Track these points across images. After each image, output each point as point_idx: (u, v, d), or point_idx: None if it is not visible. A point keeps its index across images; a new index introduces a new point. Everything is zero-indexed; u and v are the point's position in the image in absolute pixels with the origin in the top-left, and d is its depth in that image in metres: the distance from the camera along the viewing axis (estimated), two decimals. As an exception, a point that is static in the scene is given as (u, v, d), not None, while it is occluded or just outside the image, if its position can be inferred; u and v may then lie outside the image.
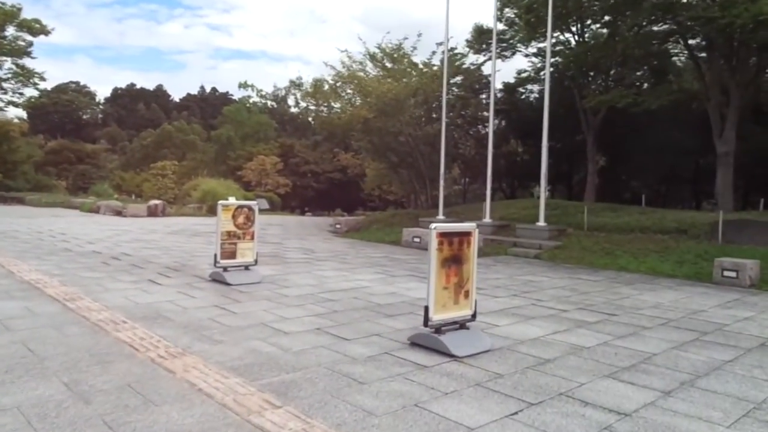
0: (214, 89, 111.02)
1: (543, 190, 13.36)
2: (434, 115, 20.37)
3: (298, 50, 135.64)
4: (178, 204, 26.50)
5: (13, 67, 31.48)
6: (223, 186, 25.56)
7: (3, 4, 29.73)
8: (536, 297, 7.48)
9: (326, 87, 19.04)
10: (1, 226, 14.49)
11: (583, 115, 20.11)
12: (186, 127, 59.55)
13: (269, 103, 60.01)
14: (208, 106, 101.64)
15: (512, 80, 23.77)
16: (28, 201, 29.34)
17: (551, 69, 21.43)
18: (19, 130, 46.04)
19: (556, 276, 9.45)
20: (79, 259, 9.11)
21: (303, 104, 23.38)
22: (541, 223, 13.20)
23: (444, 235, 4.84)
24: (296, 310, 6.11)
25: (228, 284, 7.35)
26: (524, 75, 23.28)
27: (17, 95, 33.20)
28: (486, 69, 22.83)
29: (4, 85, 32.17)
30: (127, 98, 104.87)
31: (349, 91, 18.79)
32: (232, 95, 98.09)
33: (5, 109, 36.44)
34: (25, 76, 31.81)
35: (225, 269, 7.57)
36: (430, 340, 4.83)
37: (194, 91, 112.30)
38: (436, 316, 4.81)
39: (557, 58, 20.21)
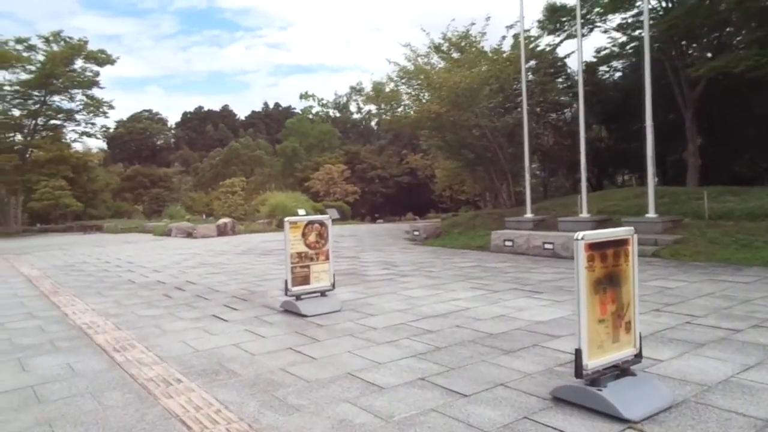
0: (277, 104, 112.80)
1: (651, 176, 11.55)
2: (507, 105, 18.76)
3: (355, 59, 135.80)
4: (247, 220, 26.08)
5: (84, 98, 32.25)
6: (291, 198, 24.93)
7: (70, 38, 30.47)
8: (686, 311, 5.88)
9: (390, 87, 17.85)
10: (71, 258, 14.13)
11: (678, 90, 17.92)
12: (252, 143, 60.19)
13: (331, 111, 59.83)
14: (272, 121, 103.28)
15: (591, 59, 21.73)
16: (106, 228, 29.84)
17: (635, 43, 19.39)
18: (96, 159, 47.79)
19: (692, 279, 7.75)
20: (140, 293, 8.24)
21: (365, 109, 22.42)
22: (652, 214, 11.40)
23: (596, 247, 3.44)
24: (389, 350, 4.84)
25: (302, 316, 6.19)
26: (604, 53, 21.20)
27: (89, 125, 34.02)
28: (560, 51, 21.01)
29: (77, 116, 33.04)
30: (195, 121, 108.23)
31: (416, 86, 17.49)
32: (294, 108, 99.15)
33: (80, 140, 37.49)
34: (95, 105, 32.52)
35: (298, 297, 6.42)
36: (586, 396, 3.42)
37: (258, 108, 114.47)
38: (592, 362, 3.40)
39: (639, 32, 18.15)
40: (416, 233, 14.86)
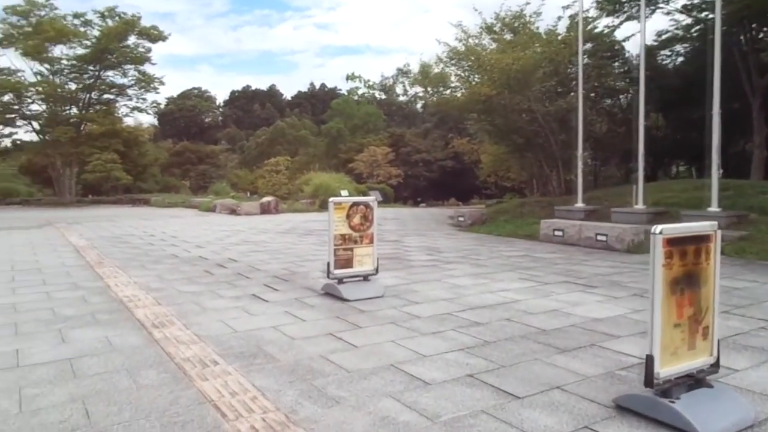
0: (323, 85, 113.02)
1: (716, 167, 10.85)
2: (560, 89, 18.02)
3: (402, 42, 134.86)
4: (290, 199, 26.15)
5: (136, 73, 32.83)
6: (334, 179, 24.82)
7: (124, 13, 30.97)
8: (759, 315, 5.40)
9: (438, 68, 17.35)
10: (119, 230, 14.35)
11: (746, 77, 16.88)
12: (297, 122, 60.47)
13: (376, 93, 59.32)
14: (318, 102, 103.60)
15: (650, 43, 20.70)
16: (153, 202, 30.45)
17: (700, 26, 18.35)
18: (147, 134, 48.84)
19: (763, 279, 7.19)
20: (182, 268, 8.20)
21: (411, 91, 21.98)
22: (715, 208, 10.74)
23: (675, 243, 3.06)
24: (434, 341, 4.58)
25: (344, 300, 5.98)
26: (665, 36, 20.16)
27: (140, 101, 34.69)
28: (618, 34, 20.06)
29: (129, 91, 33.71)
30: (243, 100, 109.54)
31: (466, 68, 16.96)
32: (339, 90, 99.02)
33: (131, 114, 38.31)
34: (146, 81, 33.10)
35: (340, 281, 6.21)
36: (656, 408, 3.08)
37: (304, 88, 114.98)
38: (664, 370, 3.05)
39: (706, 14, 17.14)
40: (461, 219, 14.49)
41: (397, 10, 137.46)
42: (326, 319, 5.29)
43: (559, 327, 5.00)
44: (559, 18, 18.00)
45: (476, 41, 17.29)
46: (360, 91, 55.48)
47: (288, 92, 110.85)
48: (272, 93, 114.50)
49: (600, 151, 24.80)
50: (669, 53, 21.02)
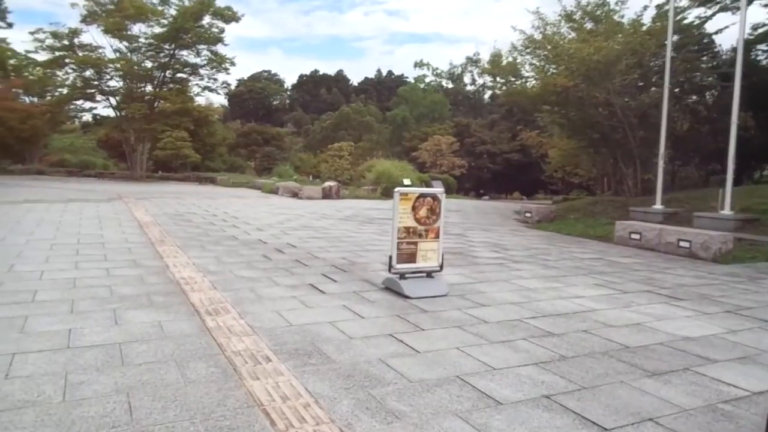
0: (390, 72, 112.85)
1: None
2: (641, 84, 16.91)
3: (472, 30, 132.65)
4: (352, 185, 26.03)
5: (208, 53, 33.44)
6: (397, 167, 24.47)
7: (200, -7, 31.52)
8: None
9: (512, 57, 16.59)
10: (183, 208, 14.53)
11: None
12: (363, 108, 60.47)
13: (444, 82, 58.46)
14: (384, 88, 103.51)
15: (746, 37, 19.13)
16: (219, 181, 31.05)
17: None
18: (217, 114, 50.01)
19: None
20: (241, 251, 8.07)
21: (480, 81, 21.21)
22: (816, 219, 9.72)
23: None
24: (504, 351, 4.16)
25: (405, 297, 5.63)
26: (762, 30, 18.58)
27: (212, 81, 35.36)
28: (709, 26, 18.65)
29: (201, 71, 34.40)
30: (310, 84, 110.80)
31: (542, 57, 16.14)
32: (406, 77, 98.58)
33: (202, 94, 39.13)
34: (218, 61, 33.66)
35: (402, 276, 5.86)
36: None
37: (371, 74, 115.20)
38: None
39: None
40: (528, 215, 13.85)
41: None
42: (386, 318, 4.95)
43: (644, 344, 4.47)
44: (645, 7, 16.87)
45: (554, 29, 16.42)
46: (427, 79, 54.90)
47: (355, 78, 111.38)
48: (339, 78, 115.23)
49: (679, 151, 23.36)
50: (766, 48, 19.39)
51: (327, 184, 21.50)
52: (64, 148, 41.46)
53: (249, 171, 46.57)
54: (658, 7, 17.36)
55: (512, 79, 17.19)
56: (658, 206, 12.68)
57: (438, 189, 6.11)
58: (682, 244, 9.16)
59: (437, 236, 6.05)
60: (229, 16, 32.14)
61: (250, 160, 49.97)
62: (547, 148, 29.86)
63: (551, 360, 4.02)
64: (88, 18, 31.46)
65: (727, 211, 11.29)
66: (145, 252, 7.66)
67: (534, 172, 39.64)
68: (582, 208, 14.42)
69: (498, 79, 19.08)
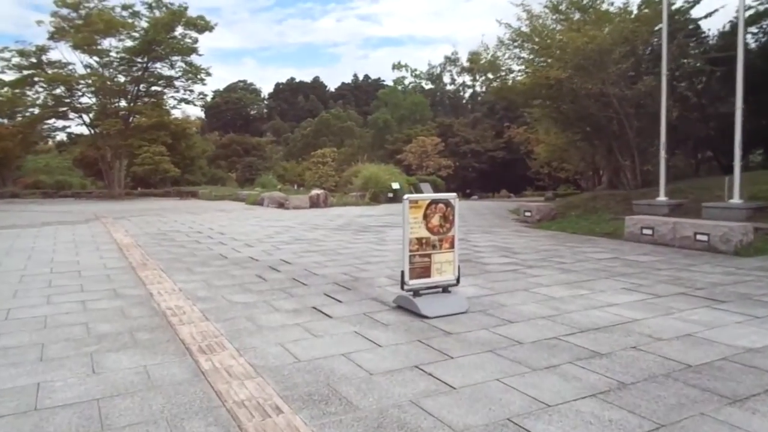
0: (366, 76, 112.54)
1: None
2: (632, 73, 16.48)
3: (445, 31, 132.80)
4: (339, 191, 25.40)
5: (183, 65, 32.59)
6: (384, 171, 23.89)
7: (171, 4, 30.69)
8: None
9: (501, 51, 16.07)
10: (165, 225, 13.78)
11: None
12: (342, 113, 59.83)
13: (423, 83, 58.20)
14: (362, 93, 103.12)
15: (731, 20, 18.86)
16: (201, 195, 30.22)
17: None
18: (194, 127, 49.03)
19: None
20: (232, 271, 7.39)
21: (459, 80, 20.77)
22: (833, 203, 9.29)
23: None
24: (552, 380, 3.56)
25: (422, 317, 5.02)
26: (750, 13, 18.31)
27: (188, 92, 34.48)
28: (694, 12, 18.32)
29: (176, 83, 33.52)
30: (287, 92, 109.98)
31: (530, 50, 15.62)
32: (383, 81, 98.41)
33: (178, 106, 38.24)
34: (193, 72, 32.82)
35: (416, 293, 5.24)
36: None
37: (348, 80, 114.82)
38: None
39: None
40: (527, 214, 13.32)
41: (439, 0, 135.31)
42: (407, 344, 4.32)
43: (707, 361, 3.90)
44: (632, -6, 16.47)
45: (540, 21, 15.94)
46: (406, 81, 54.49)
47: (332, 84, 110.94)
48: (316, 85, 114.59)
49: (671, 140, 23.05)
50: (756, 31, 19.13)
51: (314, 192, 20.83)
52: (39, 169, 40.29)
53: (230, 182, 45.68)
54: (643, -7, 17.00)
55: (502, 74, 16.68)
56: (662, 198, 12.22)
57: (452, 195, 5.51)
58: (699, 237, 8.66)
59: (452, 246, 5.45)
60: (202, 25, 31.36)
61: (231, 171, 49.07)
62: (535, 143, 29.44)
63: (609, 389, 3.43)
64: (56, 35, 30.43)
65: (736, 200, 10.85)
66: (125, 279, 6.95)
67: (520, 169, 39.31)
68: (582, 204, 13.93)
69: (489, 75, 18.52)
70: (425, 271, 5.31)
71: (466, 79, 56.60)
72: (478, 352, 4.14)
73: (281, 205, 20.10)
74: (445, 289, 5.42)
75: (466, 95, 57.51)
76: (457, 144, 42.52)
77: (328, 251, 9.10)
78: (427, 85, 56.83)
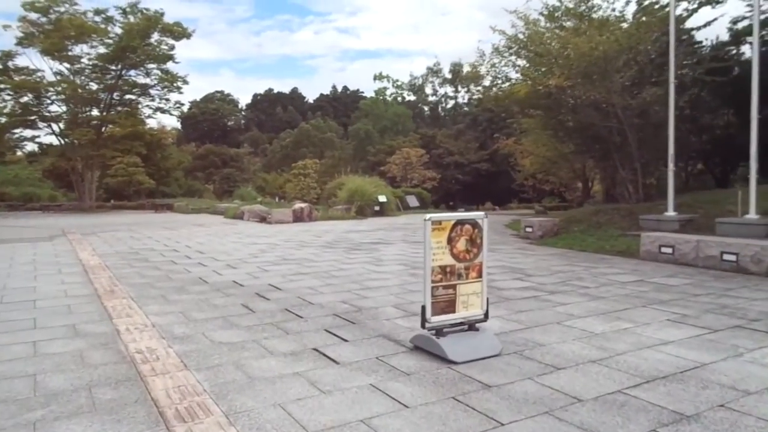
0: (345, 88, 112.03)
1: None
2: (632, 82, 15.94)
3: (423, 45, 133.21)
4: (322, 204, 24.47)
5: (159, 72, 31.45)
6: (370, 183, 23.04)
7: (147, 10, 29.61)
8: None
9: (495, 59, 15.37)
10: (137, 243, 12.72)
11: None
12: (323, 124, 58.94)
13: (405, 94, 57.57)
14: (340, 105, 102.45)
15: (725, 33, 18.54)
16: (177, 208, 29.03)
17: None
18: (170, 138, 47.70)
19: None
20: (214, 300, 6.43)
21: (441, 91, 20.08)
22: None
23: None
24: (646, 464, 2.71)
25: (449, 362, 4.15)
26: (743, 25, 17.99)
27: (163, 101, 33.29)
28: (688, 23, 17.91)
29: (151, 91, 32.34)
30: (265, 103, 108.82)
31: (528, 56, 14.94)
32: (362, 92, 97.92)
33: (154, 116, 37.12)
34: (170, 80, 31.69)
35: (439, 332, 4.37)
36: None
37: (326, 91, 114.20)
38: None
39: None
40: (529, 230, 12.55)
41: (417, 13, 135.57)
42: (440, 403, 3.44)
43: (823, 427, 3.09)
44: (627, 2, 15.96)
45: (534, 29, 15.29)
46: (388, 92, 53.83)
47: (310, 95, 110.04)
48: (294, 96, 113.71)
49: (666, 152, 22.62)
50: (748, 44, 18.79)
51: (298, 205, 19.85)
52: (8, 180, 38.61)
53: (208, 195, 44.37)
54: (639, 2, 16.54)
55: (498, 81, 16.00)
56: (670, 213, 11.57)
57: (479, 213, 4.66)
58: (726, 257, 7.95)
59: (480, 275, 4.60)
60: (179, 32, 30.31)
61: (209, 183, 47.77)
62: (524, 155, 28.84)
63: (724, 474, 2.59)
64: (24, 41, 29.09)
65: (752, 215, 10.21)
66: (88, 311, 5.95)
67: (504, 181, 38.77)
68: (585, 218, 13.22)
69: (485, 83, 17.78)
70: (449, 306, 4.45)
71: (449, 90, 56.37)
72: (533, 414, 3.28)
73: (263, 219, 19.10)
74: (472, 326, 4.56)
75: (448, 106, 57.12)
76: (441, 156, 41.86)
77: (321, 273, 8.18)
78: (409, 96, 56.30)
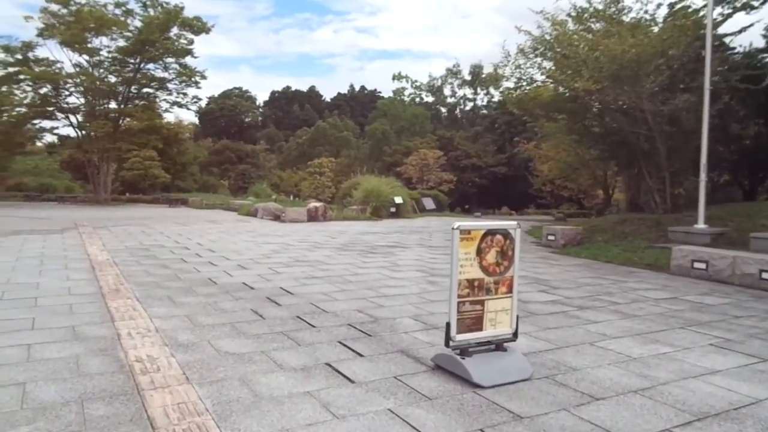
0: (362, 87, 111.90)
1: None
2: (658, 88, 15.43)
3: (441, 46, 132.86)
4: (337, 203, 24.15)
5: (177, 66, 31.34)
6: (386, 184, 22.67)
7: (167, 3, 29.50)
8: None
9: (520, 61, 14.91)
10: (148, 238, 12.48)
11: None
12: (340, 123, 58.67)
13: (423, 95, 57.08)
14: (357, 104, 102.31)
15: (760, 40, 17.91)
16: (191, 203, 28.90)
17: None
18: (187, 132, 47.71)
19: None
20: (222, 303, 6.11)
21: (460, 93, 19.64)
22: None
23: None
24: None
25: (474, 385, 3.77)
26: (778, 30, 17.37)
27: (181, 95, 33.17)
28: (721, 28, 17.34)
29: (169, 85, 32.25)
30: (283, 100, 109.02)
31: (554, 58, 14.48)
32: (379, 92, 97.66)
33: (171, 110, 37.08)
34: (188, 75, 31.54)
35: (464, 351, 3.99)
36: None
37: (344, 90, 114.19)
38: None
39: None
40: (551, 238, 12.11)
41: (437, 14, 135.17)
42: (467, 439, 3.07)
43: None
44: (659, 6, 15.44)
45: (561, 29, 14.82)
46: (406, 92, 53.42)
47: (327, 94, 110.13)
48: (312, 94, 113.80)
49: (693, 162, 22.03)
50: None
51: (312, 204, 19.55)
52: (28, 170, 38.80)
53: (223, 190, 44.33)
54: (671, 5, 16.00)
55: (523, 83, 15.54)
56: (701, 225, 11.08)
57: (511, 223, 4.28)
58: (766, 276, 7.47)
59: (510, 290, 4.23)
60: (198, 27, 30.16)
61: (224, 179, 47.70)
62: (543, 160, 28.27)
63: None
64: (45, 32, 29.09)
65: (790, 230, 9.71)
66: (91, 311, 5.65)
67: (521, 186, 38.20)
68: (609, 228, 12.74)
69: (509, 85, 17.32)
70: (476, 323, 4.07)
71: (467, 92, 55.86)
72: (573, 456, 2.89)
73: (277, 218, 18.83)
74: (500, 345, 4.18)
75: (467, 108, 56.54)
76: (458, 158, 41.37)
77: (335, 278, 7.83)
78: (427, 97, 55.86)
